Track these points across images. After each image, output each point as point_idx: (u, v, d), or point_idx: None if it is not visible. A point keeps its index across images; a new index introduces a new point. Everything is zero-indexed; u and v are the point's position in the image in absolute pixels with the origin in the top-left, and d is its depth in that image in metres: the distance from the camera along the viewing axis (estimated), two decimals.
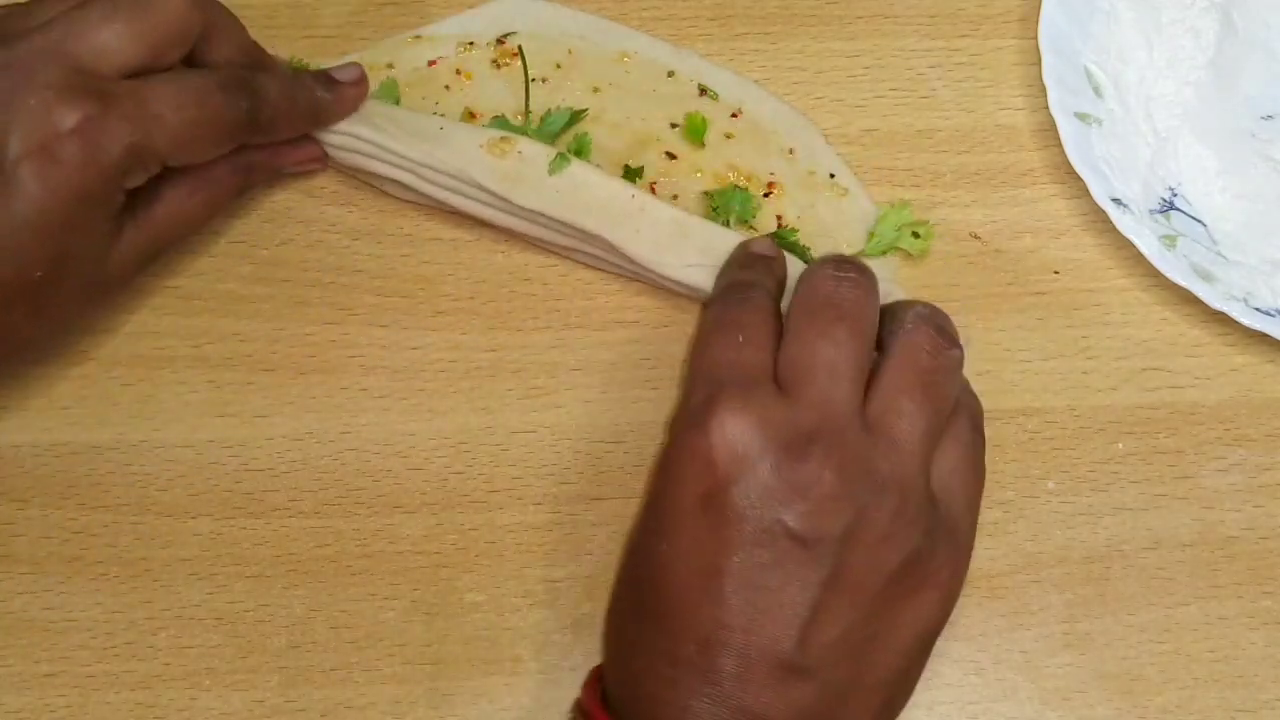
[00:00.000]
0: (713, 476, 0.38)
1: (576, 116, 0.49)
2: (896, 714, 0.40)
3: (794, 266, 0.46)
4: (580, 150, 0.48)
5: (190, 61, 0.44)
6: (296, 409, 0.47)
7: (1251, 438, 0.48)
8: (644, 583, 0.40)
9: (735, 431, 0.38)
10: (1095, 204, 0.49)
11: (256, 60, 0.46)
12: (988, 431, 0.47)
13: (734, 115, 0.50)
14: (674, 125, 0.50)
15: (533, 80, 0.50)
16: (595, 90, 0.50)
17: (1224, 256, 0.50)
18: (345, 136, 0.48)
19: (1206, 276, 0.48)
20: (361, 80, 0.48)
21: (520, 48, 0.50)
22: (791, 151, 0.50)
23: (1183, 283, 0.48)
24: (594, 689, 0.41)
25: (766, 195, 0.49)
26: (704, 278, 0.46)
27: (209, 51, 0.44)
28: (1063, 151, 0.49)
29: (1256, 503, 0.47)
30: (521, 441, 0.47)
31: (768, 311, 0.42)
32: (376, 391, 0.47)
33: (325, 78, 0.47)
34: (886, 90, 0.52)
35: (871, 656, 0.38)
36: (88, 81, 0.40)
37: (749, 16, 0.53)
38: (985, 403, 0.47)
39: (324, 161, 0.49)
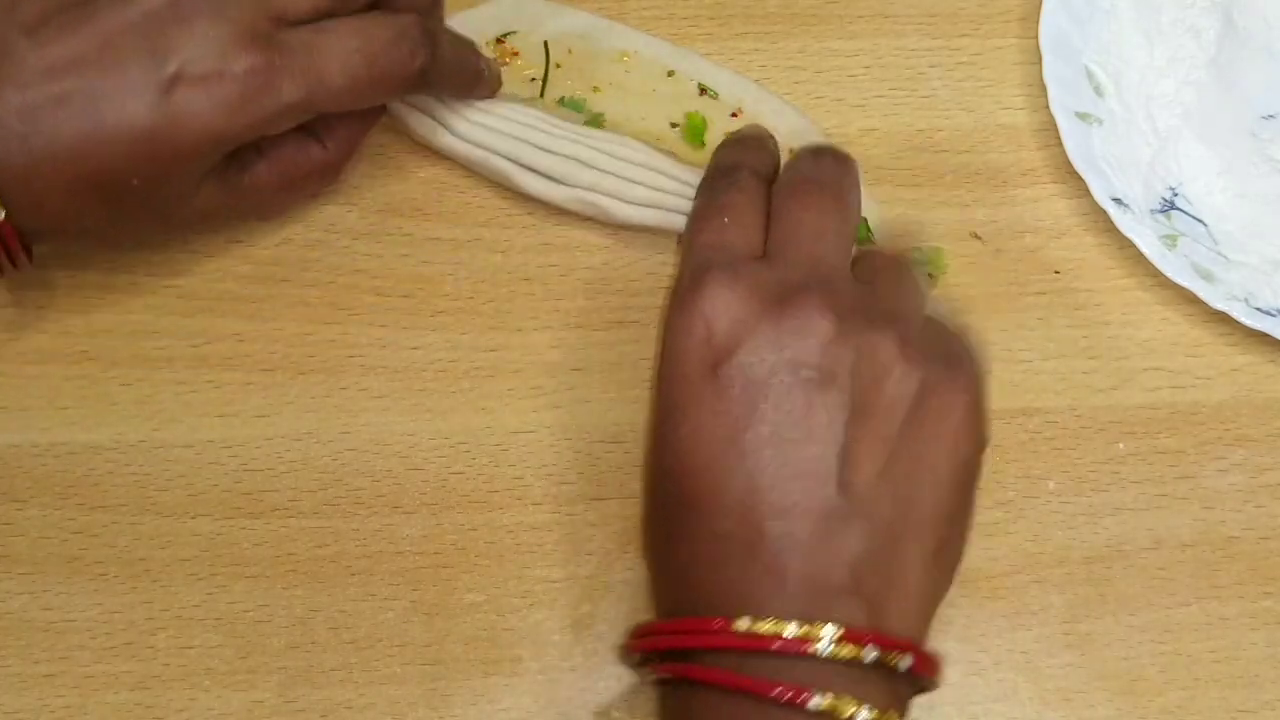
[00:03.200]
0: (714, 348, 0.38)
1: (596, 119, 0.49)
2: (955, 564, 0.40)
3: None
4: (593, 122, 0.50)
5: None
6: (296, 409, 0.47)
7: (1253, 438, 0.48)
8: (671, 473, 0.39)
9: (728, 300, 0.39)
10: (1096, 204, 0.49)
11: (437, 11, 0.46)
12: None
13: (734, 115, 0.50)
14: (674, 125, 0.50)
15: (532, 80, 0.50)
16: (595, 90, 0.50)
17: (1225, 256, 0.50)
18: None
19: (1207, 276, 0.48)
20: (499, 72, 0.48)
21: (546, 43, 0.50)
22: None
23: (1184, 283, 0.48)
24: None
25: None
26: None
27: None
28: (1063, 151, 0.49)
29: (1258, 503, 0.47)
30: (521, 441, 0.47)
31: (753, 191, 0.42)
32: (376, 391, 0.47)
33: (478, 51, 0.47)
34: (886, 90, 0.52)
35: (913, 492, 0.38)
36: (268, 30, 0.40)
37: (749, 16, 0.53)
38: None
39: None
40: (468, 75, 0.47)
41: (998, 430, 0.47)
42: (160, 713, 0.44)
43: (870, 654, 0.36)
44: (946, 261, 0.49)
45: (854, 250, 0.42)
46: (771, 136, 0.47)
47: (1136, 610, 0.45)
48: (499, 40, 0.51)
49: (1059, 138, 0.50)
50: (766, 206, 0.42)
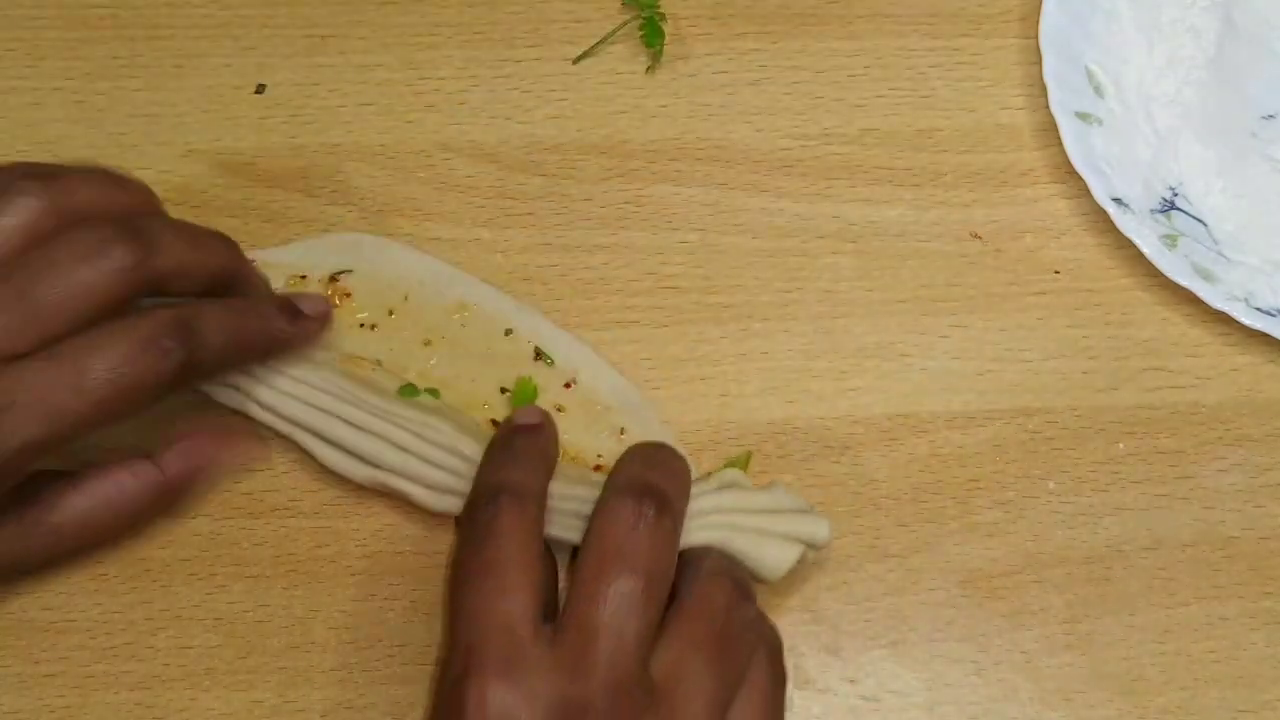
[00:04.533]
0: None
1: (432, 394, 0.46)
2: None
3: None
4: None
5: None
6: None
7: (1252, 438, 0.48)
8: None
9: (498, 712, 0.35)
10: (1096, 204, 0.49)
11: (232, 279, 0.42)
12: (988, 432, 0.47)
13: (567, 385, 0.46)
14: (504, 390, 0.46)
15: (362, 326, 0.47)
16: (427, 343, 0.47)
17: (1225, 256, 0.50)
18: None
19: (1207, 276, 0.48)
20: (326, 315, 0.44)
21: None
22: (623, 432, 0.46)
23: (1184, 283, 0.48)
24: None
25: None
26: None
27: (166, 290, 0.39)
28: (1063, 151, 0.49)
29: (1257, 503, 0.47)
30: None
31: (526, 532, 0.38)
32: None
33: (290, 306, 0.43)
34: (887, 89, 0.52)
35: None
36: None
37: (749, 16, 0.53)
38: (986, 402, 0.48)
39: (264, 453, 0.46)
40: (259, 346, 0.42)
41: (998, 430, 0.47)
42: (160, 713, 0.44)
43: None
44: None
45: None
46: (549, 425, 0.42)
47: (1136, 610, 0.45)
48: (333, 278, 0.47)
49: (1059, 138, 0.50)
50: (538, 546, 0.38)
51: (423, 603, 0.45)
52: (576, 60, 0.52)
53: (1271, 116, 0.51)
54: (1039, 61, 0.51)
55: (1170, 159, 0.51)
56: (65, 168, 0.40)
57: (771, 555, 0.42)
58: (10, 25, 0.52)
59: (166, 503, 0.42)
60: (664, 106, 0.52)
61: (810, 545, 0.43)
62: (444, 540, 0.45)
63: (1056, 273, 0.50)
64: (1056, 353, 0.49)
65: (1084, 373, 0.49)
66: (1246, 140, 0.51)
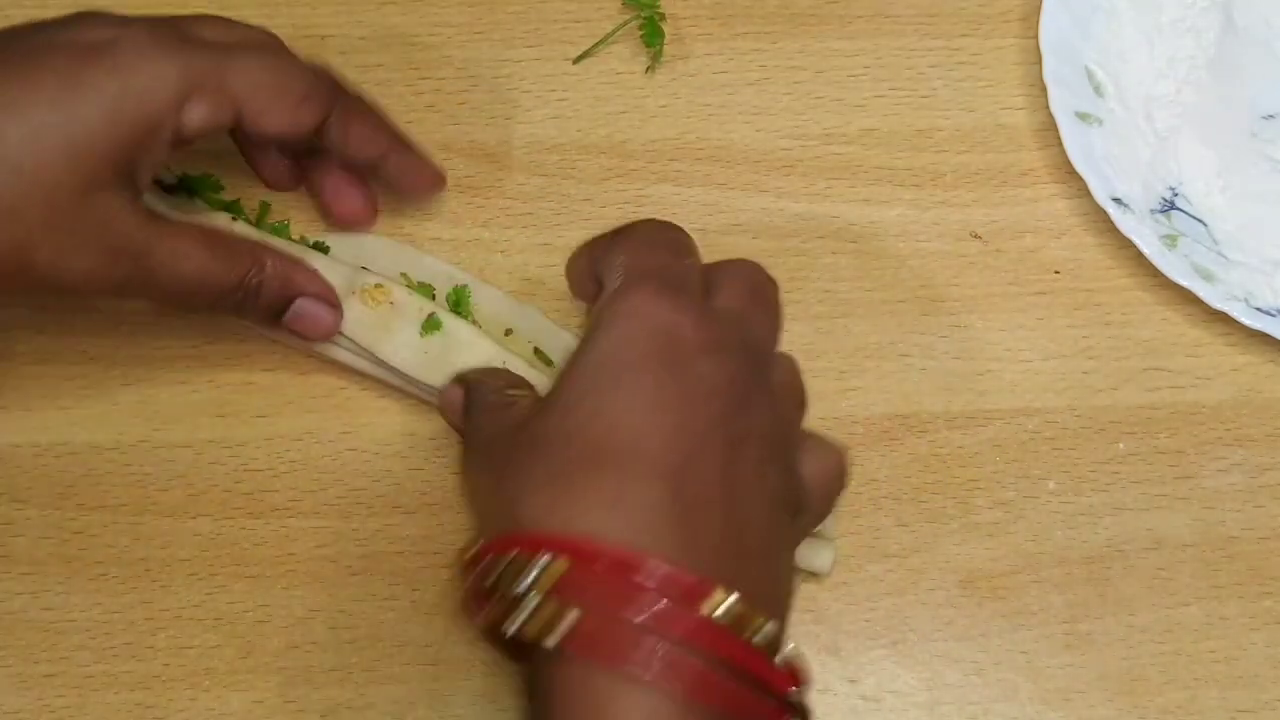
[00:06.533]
0: (668, 336, 0.38)
1: (460, 293, 0.47)
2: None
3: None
4: (459, 301, 0.46)
5: None
6: (296, 409, 0.47)
7: (1253, 438, 0.48)
8: (596, 437, 0.37)
9: (668, 304, 0.38)
10: (1096, 204, 0.49)
11: None
12: (988, 432, 0.47)
13: None
14: None
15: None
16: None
17: (1225, 256, 0.50)
18: None
19: (1207, 276, 0.48)
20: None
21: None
22: None
23: (1184, 282, 0.48)
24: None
25: None
26: None
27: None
28: (1063, 151, 0.49)
29: (1257, 503, 0.47)
30: None
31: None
32: (377, 391, 0.47)
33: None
34: (886, 90, 0.52)
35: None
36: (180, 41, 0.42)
37: (749, 16, 0.53)
38: (986, 403, 0.48)
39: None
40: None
41: (998, 430, 0.47)
42: (160, 713, 0.44)
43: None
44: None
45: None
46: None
47: (1136, 610, 0.45)
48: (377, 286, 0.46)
49: (1059, 138, 0.50)
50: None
51: (423, 603, 0.45)
52: (576, 60, 0.53)
53: (1271, 116, 0.51)
54: (1039, 61, 0.51)
55: (1170, 159, 0.51)
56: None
57: None
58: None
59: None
60: (664, 106, 0.52)
61: (810, 573, 0.43)
62: (444, 540, 0.46)
63: (1056, 273, 0.50)
64: (1056, 353, 0.49)
65: (1084, 373, 0.49)
66: (1246, 140, 0.51)
